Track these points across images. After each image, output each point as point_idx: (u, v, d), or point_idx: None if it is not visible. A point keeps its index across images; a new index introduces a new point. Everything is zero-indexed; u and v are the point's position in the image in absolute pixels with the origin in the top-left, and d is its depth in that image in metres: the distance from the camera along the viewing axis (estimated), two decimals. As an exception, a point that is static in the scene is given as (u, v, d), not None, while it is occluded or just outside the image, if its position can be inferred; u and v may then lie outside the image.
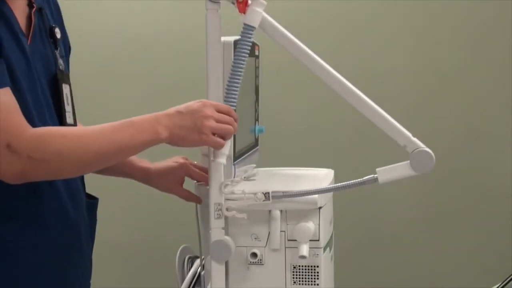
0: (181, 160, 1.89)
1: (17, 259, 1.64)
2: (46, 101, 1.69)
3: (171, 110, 1.65)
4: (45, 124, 1.65)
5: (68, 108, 1.74)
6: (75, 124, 1.78)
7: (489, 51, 3.20)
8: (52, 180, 1.67)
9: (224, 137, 1.62)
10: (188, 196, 1.87)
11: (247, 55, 1.61)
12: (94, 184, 3.16)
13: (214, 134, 1.61)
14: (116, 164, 1.85)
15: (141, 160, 1.92)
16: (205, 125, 1.60)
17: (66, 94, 1.74)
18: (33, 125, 1.59)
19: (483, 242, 3.24)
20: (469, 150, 3.23)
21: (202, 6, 1.63)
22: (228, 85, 1.62)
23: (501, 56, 3.19)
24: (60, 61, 1.76)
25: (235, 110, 1.63)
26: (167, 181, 1.89)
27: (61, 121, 1.72)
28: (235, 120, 1.63)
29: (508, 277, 1.84)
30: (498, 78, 3.20)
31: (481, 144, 3.23)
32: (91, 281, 1.84)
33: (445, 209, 3.25)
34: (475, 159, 3.23)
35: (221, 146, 1.62)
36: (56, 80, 1.73)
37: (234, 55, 1.61)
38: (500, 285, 1.85)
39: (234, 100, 1.63)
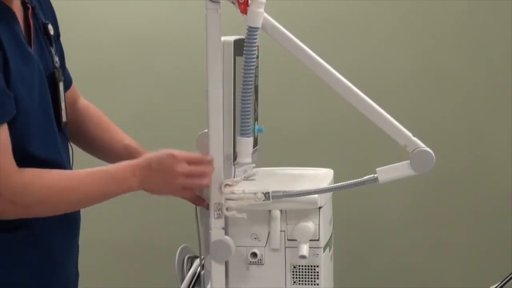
0: None
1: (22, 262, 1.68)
2: (47, 104, 1.70)
3: (145, 162, 1.68)
4: (44, 125, 1.67)
5: (63, 105, 1.76)
6: (67, 121, 1.80)
7: (489, 51, 3.20)
8: None
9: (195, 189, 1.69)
10: (196, 200, 1.88)
11: (256, 56, 1.61)
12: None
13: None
14: (126, 158, 1.89)
15: None
16: (175, 183, 1.66)
17: (61, 91, 1.76)
18: (35, 124, 1.62)
19: (483, 242, 3.24)
20: (469, 150, 3.23)
21: (202, 6, 1.63)
22: (243, 85, 1.61)
23: (501, 56, 3.18)
24: (56, 58, 1.77)
25: (251, 109, 1.63)
26: None
27: (58, 120, 1.74)
28: (210, 164, 1.66)
29: (507, 277, 1.84)
30: (498, 78, 3.20)
31: (481, 144, 3.23)
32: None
33: (445, 209, 3.24)
34: (475, 159, 3.23)
35: (192, 199, 1.71)
36: (54, 79, 1.74)
37: (244, 58, 1.60)
38: (499, 285, 1.85)
39: (249, 98, 1.62)
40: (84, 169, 1.67)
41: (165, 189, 1.67)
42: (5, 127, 1.58)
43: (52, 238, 1.72)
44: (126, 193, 1.68)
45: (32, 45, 1.69)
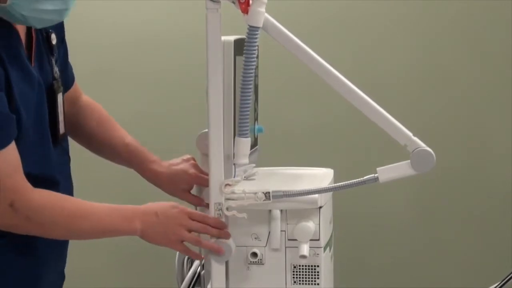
0: (192, 170, 1.89)
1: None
2: (43, 120, 1.70)
3: (150, 209, 1.71)
4: (38, 142, 1.68)
5: (61, 117, 1.76)
6: (67, 135, 1.81)
7: (489, 51, 3.20)
8: None
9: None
10: (198, 202, 1.88)
11: (256, 56, 1.61)
12: (94, 183, 3.17)
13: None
14: (127, 159, 1.93)
15: (152, 159, 1.93)
16: (176, 234, 1.68)
17: (60, 103, 1.76)
18: (29, 140, 1.63)
19: (483, 242, 3.24)
20: (470, 149, 3.23)
21: (202, 6, 1.63)
22: (242, 85, 1.61)
23: (502, 55, 3.18)
24: (56, 69, 1.77)
25: (249, 109, 1.62)
26: (176, 189, 1.91)
27: (55, 132, 1.74)
28: (211, 224, 1.68)
29: (507, 277, 1.84)
30: (498, 77, 3.20)
31: (481, 144, 3.23)
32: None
33: (445, 208, 3.24)
34: (475, 158, 3.23)
35: (187, 253, 1.73)
36: (52, 90, 1.74)
37: (244, 57, 1.60)
38: (498, 285, 1.85)
39: (249, 98, 1.62)
40: (96, 202, 1.70)
41: (164, 240, 1.69)
42: (13, 146, 1.60)
43: (39, 249, 1.73)
44: (128, 235, 1.70)
45: (33, 60, 1.70)
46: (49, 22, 1.67)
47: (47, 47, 1.76)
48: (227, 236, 1.67)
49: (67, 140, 1.82)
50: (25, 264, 1.71)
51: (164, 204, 1.71)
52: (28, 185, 1.62)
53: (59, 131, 1.75)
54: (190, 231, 1.69)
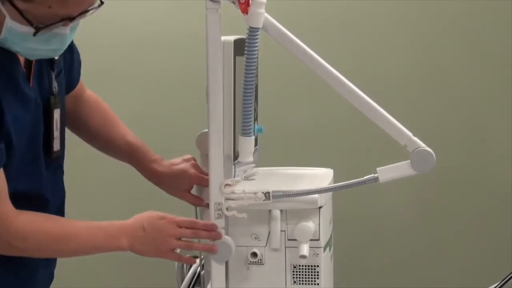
0: (192, 170, 1.89)
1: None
2: (35, 138, 1.68)
3: (137, 223, 1.70)
4: (28, 160, 1.66)
5: (56, 133, 1.74)
6: (62, 149, 1.78)
7: (489, 51, 3.20)
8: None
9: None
10: (197, 202, 1.88)
11: (256, 57, 1.61)
12: (93, 183, 3.17)
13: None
14: (127, 157, 1.92)
15: (152, 158, 1.93)
16: (165, 244, 1.68)
17: (56, 119, 1.73)
18: (19, 159, 1.62)
19: (483, 242, 3.24)
20: (470, 149, 3.23)
21: (202, 6, 1.63)
22: (244, 85, 1.60)
23: (502, 55, 3.18)
24: (55, 84, 1.74)
25: (252, 109, 1.62)
26: (176, 189, 1.91)
27: (48, 148, 1.72)
28: (201, 227, 1.68)
29: (507, 277, 1.84)
30: (498, 77, 3.20)
31: (481, 144, 3.23)
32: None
33: (445, 208, 3.24)
34: (475, 158, 3.23)
35: (179, 260, 1.73)
36: (48, 106, 1.71)
37: (245, 58, 1.59)
38: (498, 285, 1.85)
39: (251, 98, 1.61)
40: (81, 221, 1.69)
41: (153, 252, 1.69)
42: (2, 172, 1.58)
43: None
44: (115, 251, 1.71)
45: (32, 80, 1.67)
46: (44, 57, 1.64)
47: (48, 63, 1.72)
48: (219, 236, 1.67)
49: (62, 156, 1.80)
50: (14, 269, 1.70)
51: (151, 215, 1.70)
52: (11, 211, 1.60)
53: (52, 148, 1.73)
54: (180, 239, 1.69)
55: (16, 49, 1.57)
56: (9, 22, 1.51)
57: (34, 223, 1.63)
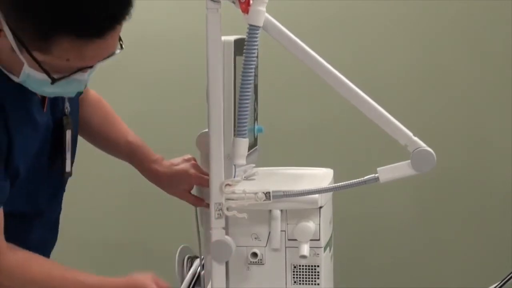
0: (192, 170, 1.89)
1: None
2: (42, 158, 1.68)
3: (121, 282, 1.80)
4: (33, 175, 1.66)
5: (68, 155, 1.74)
6: (70, 172, 1.77)
7: (489, 51, 3.20)
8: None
9: None
10: (198, 202, 1.88)
11: (256, 55, 1.60)
12: (93, 183, 3.17)
13: None
14: (128, 157, 1.92)
15: (153, 158, 1.92)
16: None
17: (68, 141, 1.73)
18: (21, 180, 1.61)
19: (483, 242, 3.24)
20: (470, 149, 3.23)
21: (202, 6, 1.63)
22: (241, 85, 1.59)
23: (502, 55, 3.19)
24: (67, 104, 1.74)
25: (248, 109, 1.60)
26: (177, 189, 1.90)
27: (62, 171, 1.72)
28: None
29: (507, 277, 1.84)
30: (498, 77, 3.20)
31: (481, 144, 3.23)
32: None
33: (445, 209, 3.25)
34: (475, 158, 3.24)
35: None
36: (61, 127, 1.72)
37: (244, 56, 1.58)
38: (498, 285, 1.84)
39: (247, 98, 1.60)
40: (71, 272, 1.69)
41: None
42: (0, 210, 1.58)
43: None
44: None
45: (46, 105, 1.67)
46: (62, 95, 1.65)
47: None
48: None
49: (70, 175, 1.79)
50: None
51: (137, 279, 1.77)
52: (3, 247, 1.60)
53: (65, 169, 1.73)
54: None
55: (34, 91, 1.57)
56: (26, 69, 1.51)
57: (23, 263, 1.63)
